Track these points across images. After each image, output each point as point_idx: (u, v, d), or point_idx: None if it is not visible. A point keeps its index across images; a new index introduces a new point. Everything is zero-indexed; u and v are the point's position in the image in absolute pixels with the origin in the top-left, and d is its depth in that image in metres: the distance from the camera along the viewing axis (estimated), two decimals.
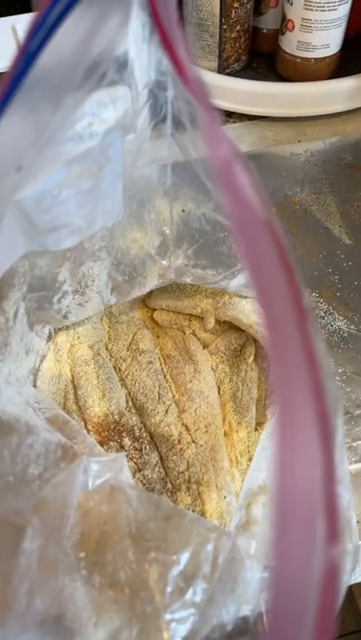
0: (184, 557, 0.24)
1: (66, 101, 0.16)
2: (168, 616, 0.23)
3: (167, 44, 0.16)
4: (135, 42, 0.21)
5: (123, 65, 0.21)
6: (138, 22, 0.20)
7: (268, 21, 0.57)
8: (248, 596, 0.24)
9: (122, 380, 0.38)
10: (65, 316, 0.34)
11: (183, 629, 0.23)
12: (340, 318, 0.43)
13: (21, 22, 0.46)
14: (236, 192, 0.12)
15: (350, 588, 0.95)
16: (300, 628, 0.09)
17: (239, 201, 0.12)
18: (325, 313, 0.43)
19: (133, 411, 0.37)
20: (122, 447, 0.35)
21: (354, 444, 0.37)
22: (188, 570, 0.24)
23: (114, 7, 0.17)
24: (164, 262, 0.33)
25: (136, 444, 0.35)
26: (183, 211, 0.30)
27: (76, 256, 0.29)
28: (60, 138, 0.19)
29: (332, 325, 0.43)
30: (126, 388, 0.38)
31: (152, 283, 0.34)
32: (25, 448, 0.23)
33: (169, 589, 0.23)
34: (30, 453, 0.23)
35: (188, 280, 0.34)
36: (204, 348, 0.39)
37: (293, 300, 0.11)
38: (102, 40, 0.17)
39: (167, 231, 0.32)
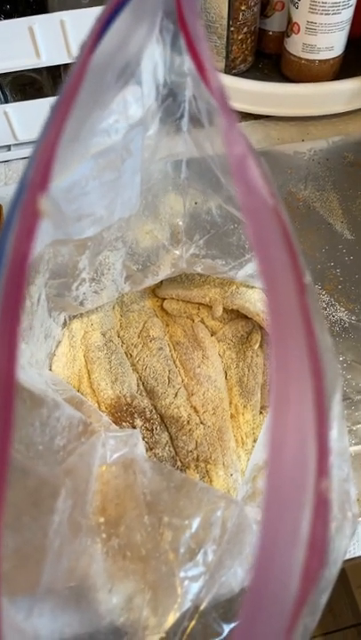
0: (195, 522, 0.26)
1: (103, 98, 0.18)
2: (182, 574, 0.25)
3: (192, 49, 0.18)
4: (158, 46, 0.23)
5: (146, 66, 0.23)
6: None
7: (274, 24, 0.59)
8: None
9: (133, 365, 0.40)
10: (81, 303, 0.36)
11: (195, 587, 0.25)
12: (342, 309, 0.45)
13: (38, 23, 0.47)
14: (247, 183, 0.14)
15: (348, 582, 0.97)
16: (295, 547, 0.11)
17: (249, 190, 0.14)
18: (327, 304, 0.45)
19: (144, 394, 0.39)
20: (134, 428, 0.37)
21: (354, 428, 0.39)
22: (199, 533, 0.26)
23: (145, 14, 0.19)
24: (176, 252, 0.35)
25: (147, 425, 0.37)
26: (195, 203, 0.32)
27: (95, 245, 0.31)
28: (90, 132, 0.21)
29: (333, 316, 0.44)
30: (137, 373, 0.40)
31: (165, 272, 0.36)
32: (53, 420, 0.25)
33: (182, 550, 0.25)
34: (57, 426, 0.25)
35: (199, 269, 0.36)
36: (212, 335, 0.41)
37: (296, 277, 0.13)
38: (135, 43, 0.19)
39: (180, 222, 0.34)
